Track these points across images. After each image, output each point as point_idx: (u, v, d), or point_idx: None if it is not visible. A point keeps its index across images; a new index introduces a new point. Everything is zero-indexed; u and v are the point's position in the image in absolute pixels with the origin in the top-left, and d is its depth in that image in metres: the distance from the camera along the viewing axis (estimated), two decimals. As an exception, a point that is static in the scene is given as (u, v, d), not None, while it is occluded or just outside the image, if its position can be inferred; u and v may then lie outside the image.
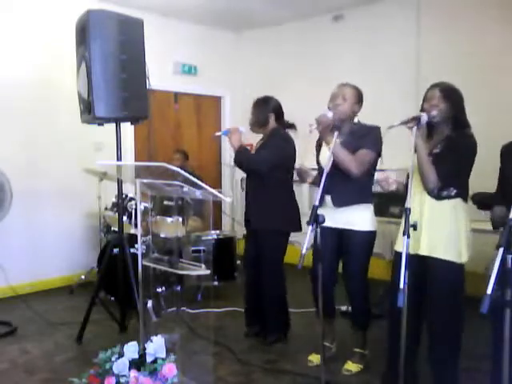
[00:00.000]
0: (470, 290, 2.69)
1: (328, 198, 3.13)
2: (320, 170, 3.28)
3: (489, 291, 1.75)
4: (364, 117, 3.23)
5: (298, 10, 5.82)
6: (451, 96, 2.63)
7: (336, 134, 2.87)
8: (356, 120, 3.18)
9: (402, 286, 2.16)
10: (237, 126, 3.62)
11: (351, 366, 3.23)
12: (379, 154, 3.12)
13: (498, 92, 4.62)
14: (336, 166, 2.97)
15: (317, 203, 2.56)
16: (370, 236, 3.16)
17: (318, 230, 2.54)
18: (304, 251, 2.38)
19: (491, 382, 2.48)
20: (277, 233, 3.55)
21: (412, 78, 5.11)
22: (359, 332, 3.30)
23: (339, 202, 3.12)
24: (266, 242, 3.57)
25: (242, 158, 3.51)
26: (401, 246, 2.62)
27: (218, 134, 3.81)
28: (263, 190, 3.55)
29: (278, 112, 3.63)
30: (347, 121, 3.13)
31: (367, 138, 3.06)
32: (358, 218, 3.11)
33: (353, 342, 3.33)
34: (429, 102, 2.64)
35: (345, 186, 3.05)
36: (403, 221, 2.68)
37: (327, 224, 2.74)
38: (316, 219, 2.49)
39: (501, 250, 1.86)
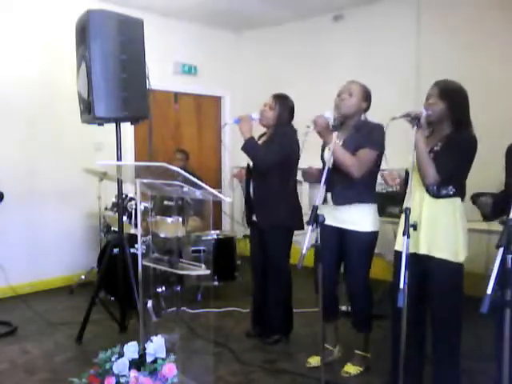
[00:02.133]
0: (470, 290, 2.68)
1: (329, 196, 3.12)
2: (324, 167, 3.23)
3: (489, 291, 1.75)
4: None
5: (297, 10, 5.81)
6: (450, 95, 2.59)
7: (335, 135, 2.89)
8: (363, 117, 3.15)
9: (401, 285, 2.16)
10: (248, 113, 3.53)
11: (351, 369, 3.17)
12: (382, 153, 3.07)
13: (497, 92, 4.61)
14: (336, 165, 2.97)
15: (317, 203, 2.56)
16: (371, 236, 3.10)
17: (318, 229, 2.54)
18: (304, 251, 2.36)
19: (492, 382, 2.48)
20: (281, 230, 3.53)
21: (412, 77, 5.11)
22: (361, 334, 3.23)
23: (339, 200, 3.08)
24: (271, 240, 3.55)
25: (250, 149, 3.45)
26: (400, 245, 2.60)
27: (228, 122, 3.68)
28: (267, 188, 3.52)
29: (293, 112, 3.60)
30: (353, 117, 3.11)
31: (369, 136, 3.02)
32: (359, 217, 3.06)
33: (355, 344, 3.25)
34: (427, 100, 2.63)
35: (346, 184, 3.02)
36: (402, 220, 2.69)
37: (328, 222, 2.79)
38: (316, 219, 2.49)
39: (501, 249, 1.86)
